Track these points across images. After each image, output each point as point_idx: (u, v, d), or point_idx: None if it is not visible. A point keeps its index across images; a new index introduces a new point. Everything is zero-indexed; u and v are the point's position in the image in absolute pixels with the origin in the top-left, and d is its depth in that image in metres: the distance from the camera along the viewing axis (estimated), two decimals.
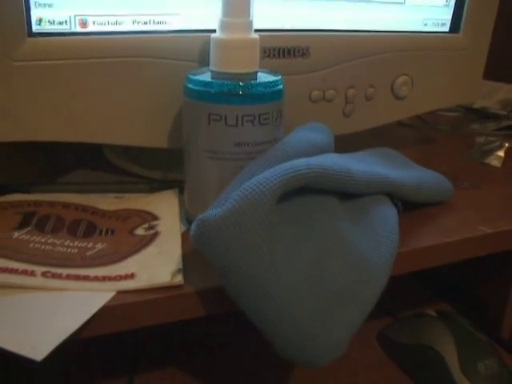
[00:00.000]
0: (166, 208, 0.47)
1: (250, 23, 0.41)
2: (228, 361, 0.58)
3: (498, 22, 0.63)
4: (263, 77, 0.42)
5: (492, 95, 0.91)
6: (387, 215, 0.43)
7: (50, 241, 0.41)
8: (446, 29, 0.61)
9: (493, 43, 0.64)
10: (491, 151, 0.67)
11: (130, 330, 0.36)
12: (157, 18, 0.46)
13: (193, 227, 0.34)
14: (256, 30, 0.42)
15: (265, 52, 0.49)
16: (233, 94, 0.40)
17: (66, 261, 0.38)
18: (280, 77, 0.42)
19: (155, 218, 0.45)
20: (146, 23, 0.45)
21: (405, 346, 0.58)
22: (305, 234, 0.38)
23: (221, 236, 0.33)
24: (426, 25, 0.59)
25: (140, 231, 0.43)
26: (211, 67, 0.42)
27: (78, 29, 0.44)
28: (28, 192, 0.48)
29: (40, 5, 0.42)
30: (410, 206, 0.48)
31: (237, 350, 0.59)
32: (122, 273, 0.37)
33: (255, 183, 0.35)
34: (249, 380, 0.56)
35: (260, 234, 0.34)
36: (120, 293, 0.36)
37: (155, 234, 0.42)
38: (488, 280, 0.62)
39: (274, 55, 0.49)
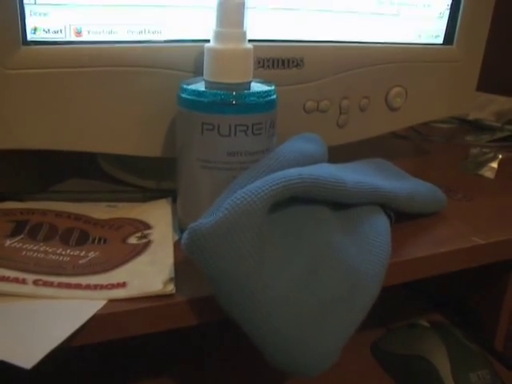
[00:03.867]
0: (158, 217, 0.47)
1: (244, 33, 0.41)
2: (219, 369, 0.58)
3: (491, 34, 0.63)
4: (256, 87, 0.42)
5: (486, 107, 0.91)
6: (380, 226, 0.43)
7: (42, 249, 0.40)
8: (440, 41, 0.62)
9: (487, 55, 0.64)
10: (485, 163, 0.67)
11: (121, 338, 0.36)
12: (151, 28, 0.46)
13: (184, 236, 0.34)
14: (251, 41, 0.42)
15: (259, 62, 0.49)
16: (226, 104, 0.40)
17: (57, 269, 0.38)
18: (273, 87, 0.43)
19: (148, 226, 0.45)
20: (140, 33, 0.46)
21: (398, 357, 0.58)
22: (296, 243, 0.38)
23: (211, 245, 0.33)
24: (420, 36, 0.60)
25: (133, 240, 0.43)
26: (205, 77, 0.42)
27: (73, 38, 0.44)
28: (21, 200, 0.48)
29: (35, 13, 0.42)
30: (403, 216, 0.48)
31: (228, 359, 0.59)
32: (114, 281, 0.37)
33: (246, 192, 0.35)
34: None
35: (251, 244, 0.34)
36: (111, 301, 0.35)
37: (148, 243, 0.42)
38: (481, 291, 0.62)
39: (269, 66, 0.50)
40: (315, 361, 0.35)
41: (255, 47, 0.42)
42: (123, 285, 0.37)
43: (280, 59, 0.50)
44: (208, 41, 0.42)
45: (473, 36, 0.62)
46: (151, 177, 0.54)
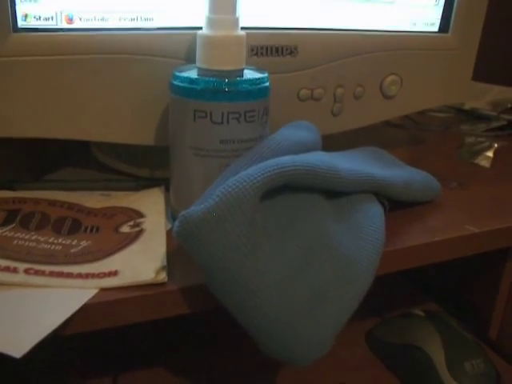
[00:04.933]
0: (151, 205, 0.46)
1: (237, 20, 0.41)
2: (213, 359, 0.58)
3: (487, 23, 0.63)
4: (249, 74, 0.42)
5: (482, 96, 0.91)
6: (373, 214, 0.43)
7: (34, 238, 0.40)
8: (436, 29, 0.61)
9: (483, 44, 0.64)
10: (480, 151, 0.67)
11: (113, 327, 0.36)
12: (144, 15, 0.45)
13: (176, 223, 0.34)
14: (244, 28, 0.42)
15: (253, 50, 0.48)
16: (218, 91, 0.39)
17: (49, 258, 0.38)
18: (266, 74, 0.42)
19: (141, 215, 0.45)
20: (132, 20, 0.45)
21: (392, 346, 0.58)
22: (289, 231, 0.37)
23: (203, 232, 0.33)
24: (415, 24, 0.59)
25: (125, 229, 0.43)
26: (197, 64, 0.41)
27: (65, 25, 0.43)
28: (13, 189, 0.47)
29: (26, 0, 0.42)
30: (397, 204, 0.48)
31: (223, 347, 0.59)
32: (106, 270, 0.37)
33: (238, 180, 0.34)
34: (236, 379, 0.55)
35: (243, 231, 0.33)
36: (103, 290, 0.35)
37: (140, 232, 0.42)
38: (476, 280, 0.62)
39: (262, 53, 0.49)
40: (308, 349, 0.35)
41: (249, 35, 0.42)
42: (115, 273, 0.37)
43: (274, 47, 0.49)
44: (200, 28, 0.41)
45: (468, 24, 0.62)
46: (144, 165, 0.53)
